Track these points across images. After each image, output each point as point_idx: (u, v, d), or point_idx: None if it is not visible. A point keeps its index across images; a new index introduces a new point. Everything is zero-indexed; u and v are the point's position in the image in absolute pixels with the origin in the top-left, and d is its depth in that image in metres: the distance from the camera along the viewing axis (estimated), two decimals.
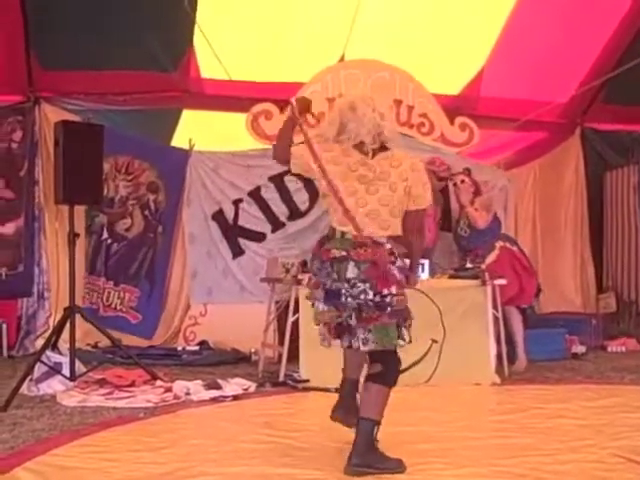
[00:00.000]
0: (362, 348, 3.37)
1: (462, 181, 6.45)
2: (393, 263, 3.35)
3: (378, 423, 3.33)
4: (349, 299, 3.32)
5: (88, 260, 7.04)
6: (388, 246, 3.37)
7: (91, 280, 7.07)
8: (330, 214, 3.48)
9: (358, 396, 3.69)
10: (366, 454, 3.28)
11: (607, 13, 7.36)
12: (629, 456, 3.46)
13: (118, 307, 7.12)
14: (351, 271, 3.32)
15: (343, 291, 3.33)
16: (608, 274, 8.67)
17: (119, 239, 7.16)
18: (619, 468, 3.32)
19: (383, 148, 3.46)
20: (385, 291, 3.28)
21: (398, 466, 3.32)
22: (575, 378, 5.90)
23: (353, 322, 3.36)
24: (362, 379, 3.61)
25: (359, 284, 3.30)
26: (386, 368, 3.36)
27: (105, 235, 7.14)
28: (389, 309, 3.30)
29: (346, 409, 3.70)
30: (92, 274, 7.08)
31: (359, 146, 3.44)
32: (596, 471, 3.28)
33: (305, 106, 3.65)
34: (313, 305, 3.54)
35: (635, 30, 7.48)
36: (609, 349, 7.48)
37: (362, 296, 3.29)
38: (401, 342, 3.37)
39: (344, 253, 3.34)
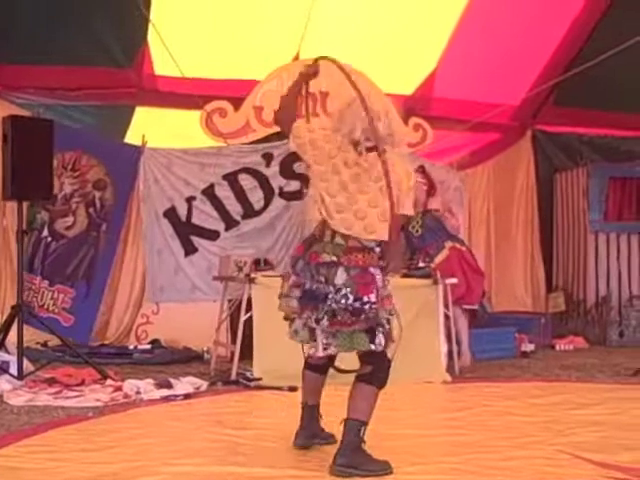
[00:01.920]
0: (319, 353, 3.33)
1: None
2: (381, 269, 3.31)
3: (365, 424, 3.25)
4: (333, 304, 3.24)
5: (26, 258, 6.72)
6: (377, 250, 3.32)
7: (28, 278, 6.76)
8: (317, 205, 3.35)
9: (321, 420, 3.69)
10: (352, 455, 3.20)
11: (558, 17, 7.48)
12: (575, 452, 3.53)
13: (50, 308, 6.87)
14: (340, 276, 3.25)
15: (330, 295, 3.24)
16: (557, 274, 8.82)
17: (58, 237, 6.96)
18: (565, 464, 3.37)
19: (375, 149, 3.34)
20: (365, 298, 3.22)
21: (384, 468, 3.22)
22: (524, 376, 5.99)
23: (321, 326, 3.28)
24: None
25: (343, 289, 3.23)
26: (376, 369, 3.30)
27: (45, 233, 6.93)
28: (362, 316, 3.23)
29: (309, 435, 3.66)
30: (30, 272, 6.82)
31: (355, 144, 3.37)
32: (543, 467, 3.32)
33: (313, 73, 3.62)
34: (280, 302, 3.45)
35: (586, 34, 7.62)
36: (557, 347, 7.61)
37: (343, 300, 3.22)
38: (372, 347, 3.28)
39: (334, 259, 3.27)
